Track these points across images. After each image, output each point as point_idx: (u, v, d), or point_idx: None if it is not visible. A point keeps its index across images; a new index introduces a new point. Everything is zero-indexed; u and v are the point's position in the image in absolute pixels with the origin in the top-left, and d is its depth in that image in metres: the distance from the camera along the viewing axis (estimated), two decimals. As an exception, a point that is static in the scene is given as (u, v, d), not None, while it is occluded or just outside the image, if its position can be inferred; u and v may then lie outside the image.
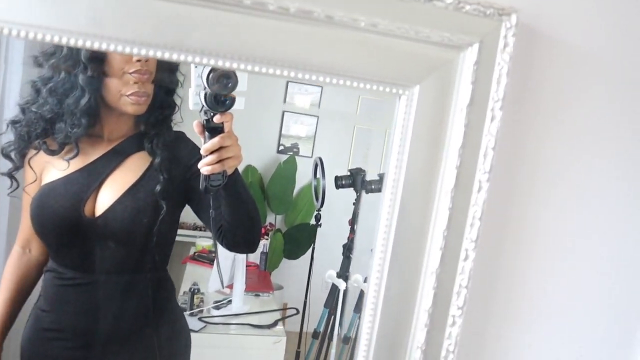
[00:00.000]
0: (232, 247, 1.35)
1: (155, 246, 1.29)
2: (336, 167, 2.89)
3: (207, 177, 1.10)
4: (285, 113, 4.10)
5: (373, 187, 2.63)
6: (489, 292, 0.81)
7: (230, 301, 2.31)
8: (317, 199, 2.86)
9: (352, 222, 2.60)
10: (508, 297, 0.82)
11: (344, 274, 2.46)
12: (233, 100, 1.03)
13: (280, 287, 3.67)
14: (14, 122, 1.26)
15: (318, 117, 4.13)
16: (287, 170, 3.96)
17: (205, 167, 1.08)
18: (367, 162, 3.37)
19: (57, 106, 1.20)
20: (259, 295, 2.53)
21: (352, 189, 2.71)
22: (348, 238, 2.63)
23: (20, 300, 1.38)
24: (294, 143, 4.15)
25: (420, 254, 0.74)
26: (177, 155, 1.27)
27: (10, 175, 1.31)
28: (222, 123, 1.07)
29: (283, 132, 4.10)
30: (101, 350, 1.32)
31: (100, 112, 1.24)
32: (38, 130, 1.24)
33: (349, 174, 2.74)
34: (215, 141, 1.06)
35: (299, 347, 2.96)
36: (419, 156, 0.74)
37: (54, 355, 1.33)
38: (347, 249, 2.57)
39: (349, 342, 2.64)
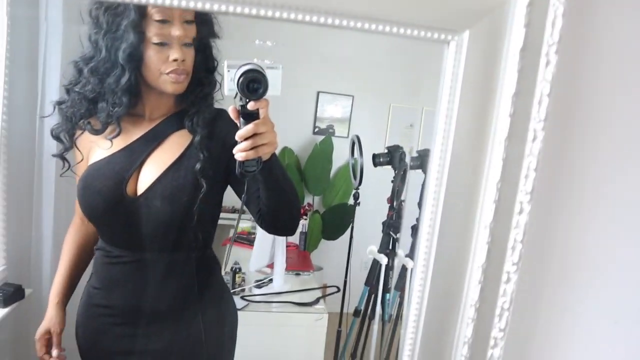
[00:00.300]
0: (271, 230, 1.34)
1: (197, 225, 1.28)
2: (373, 146, 2.85)
3: (242, 163, 1.07)
4: (320, 94, 4.08)
5: (412, 164, 2.59)
6: (545, 248, 0.76)
7: (271, 280, 2.32)
8: (355, 177, 2.83)
9: (392, 199, 2.56)
10: (565, 252, 0.77)
11: (384, 250, 2.43)
12: (266, 87, 1.01)
13: (319, 269, 3.67)
14: (59, 103, 1.28)
15: (353, 96, 4.10)
16: (323, 151, 3.94)
17: (239, 153, 1.06)
18: (405, 140, 3.32)
19: (98, 85, 1.21)
20: (299, 274, 2.52)
21: (390, 166, 2.66)
22: (387, 215, 2.59)
23: (81, 266, 1.45)
24: (329, 124, 4.13)
25: (473, 208, 0.71)
26: (217, 134, 1.25)
27: (61, 156, 1.33)
28: (257, 109, 1.05)
29: (318, 113, 4.09)
30: (148, 327, 1.33)
31: (141, 91, 1.24)
32: (82, 110, 1.25)
33: (386, 151, 2.69)
34: (249, 128, 1.04)
35: (340, 326, 2.95)
36: (469, 105, 0.70)
37: (104, 330, 1.36)
38: (387, 226, 2.54)
39: (391, 319, 2.62)
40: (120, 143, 1.28)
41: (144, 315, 1.33)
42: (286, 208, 1.27)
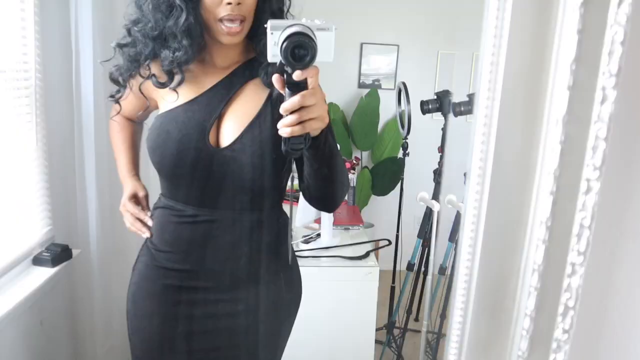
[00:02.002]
0: (312, 204, 1.25)
1: (277, 181, 1.21)
2: (421, 95, 2.72)
3: (288, 140, 0.94)
4: (363, 45, 3.93)
5: (462, 108, 2.45)
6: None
7: (319, 235, 2.25)
8: (402, 126, 2.71)
9: (442, 147, 2.44)
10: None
11: (436, 197, 2.33)
12: (314, 54, 0.86)
13: (371, 225, 3.60)
14: (121, 45, 1.22)
15: (398, 46, 3.93)
16: (369, 104, 3.82)
17: (284, 128, 0.94)
18: (453, 86, 3.16)
19: (160, 22, 1.13)
20: (348, 229, 2.45)
21: (439, 113, 2.53)
22: (439, 164, 2.48)
23: (137, 146, 1.48)
24: (375, 77, 3.99)
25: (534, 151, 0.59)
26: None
27: (117, 100, 1.31)
28: (305, 78, 0.91)
29: (363, 65, 3.95)
30: (228, 291, 1.25)
31: (203, 36, 1.16)
32: (147, 50, 1.18)
33: (435, 97, 2.56)
34: (295, 100, 0.90)
35: (393, 282, 2.89)
36: (519, 50, 0.58)
37: (170, 294, 1.26)
38: (439, 174, 2.42)
39: (445, 272, 2.53)
40: (192, 92, 1.20)
41: (221, 279, 1.26)
42: (332, 188, 1.17)
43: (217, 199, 1.20)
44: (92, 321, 2.02)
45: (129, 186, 1.40)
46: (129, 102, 1.34)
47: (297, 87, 0.90)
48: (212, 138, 1.17)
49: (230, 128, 1.18)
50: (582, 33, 0.55)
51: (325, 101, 0.97)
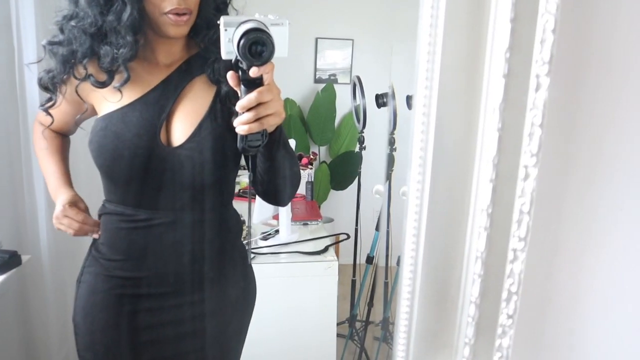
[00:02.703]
0: (264, 198, 1.23)
1: (231, 179, 1.20)
2: (377, 89, 2.73)
3: (244, 137, 0.93)
4: (319, 40, 3.93)
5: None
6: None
7: (277, 231, 2.24)
8: (358, 120, 2.72)
9: (392, 140, 2.46)
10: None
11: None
12: (272, 50, 0.85)
13: (330, 220, 3.61)
14: (52, 44, 1.14)
15: (353, 40, 3.94)
16: (326, 99, 3.82)
17: (241, 126, 0.92)
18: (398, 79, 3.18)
19: (99, 18, 1.06)
20: (307, 224, 2.45)
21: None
22: (388, 156, 2.49)
23: (66, 154, 1.36)
24: (331, 72, 3.99)
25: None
26: None
27: (47, 110, 1.21)
28: (261, 75, 0.89)
29: (318, 60, 3.94)
30: (185, 295, 1.22)
31: (146, 31, 1.12)
32: (83, 49, 1.11)
33: (390, 91, 2.57)
34: (252, 97, 0.89)
35: (354, 275, 2.90)
36: (455, 40, 0.58)
37: (126, 303, 1.21)
38: (388, 166, 2.44)
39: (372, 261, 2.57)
40: (136, 91, 1.15)
41: (179, 283, 1.21)
42: (286, 182, 1.15)
43: (171, 200, 1.17)
44: (46, 329, 1.97)
45: (66, 196, 1.26)
46: (61, 110, 1.24)
47: (253, 83, 0.89)
48: (162, 138, 1.14)
49: (181, 126, 1.15)
50: (515, 22, 0.55)
51: (281, 97, 0.96)
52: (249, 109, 0.91)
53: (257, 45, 0.85)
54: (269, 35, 0.86)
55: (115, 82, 1.13)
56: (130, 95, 1.15)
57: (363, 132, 2.72)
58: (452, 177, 0.60)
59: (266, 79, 0.91)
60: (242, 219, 1.37)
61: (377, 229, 2.53)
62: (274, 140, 1.02)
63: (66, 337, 2.04)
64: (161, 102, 1.15)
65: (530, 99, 0.57)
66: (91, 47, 1.12)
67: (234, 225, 1.29)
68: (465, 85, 0.58)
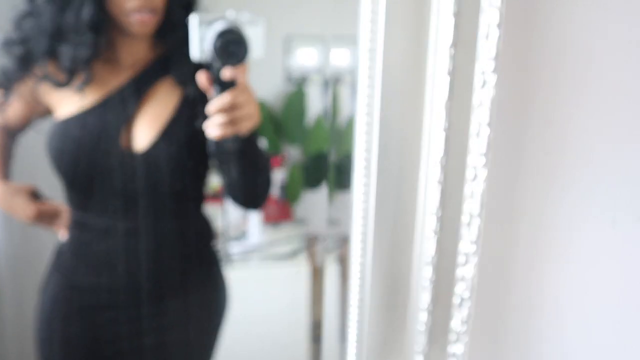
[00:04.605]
0: (236, 203, 1.20)
1: (198, 185, 1.15)
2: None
3: (217, 141, 0.91)
4: (289, 37, 3.88)
5: None
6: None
7: (247, 234, 2.21)
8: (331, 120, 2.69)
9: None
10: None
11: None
12: (246, 50, 0.83)
13: (302, 221, 3.57)
14: (8, 43, 1.07)
15: (326, 36, 3.90)
16: (297, 99, 3.78)
17: (213, 129, 0.89)
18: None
19: (57, 15, 1.00)
20: (277, 225, 2.42)
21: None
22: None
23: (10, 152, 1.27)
24: (302, 70, 3.96)
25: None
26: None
27: (1, 108, 1.13)
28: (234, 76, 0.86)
29: (288, 58, 3.90)
30: (149, 306, 1.18)
31: (108, 29, 1.07)
32: (41, 48, 1.05)
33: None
34: (225, 99, 0.86)
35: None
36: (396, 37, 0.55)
37: (87, 315, 1.16)
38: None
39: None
40: (96, 94, 1.09)
41: (143, 293, 1.17)
42: (259, 187, 1.12)
43: (133, 207, 1.13)
44: (3, 343, 1.90)
45: (18, 188, 1.22)
46: (14, 110, 1.18)
47: (226, 85, 0.86)
48: (124, 142, 1.10)
49: (144, 131, 1.10)
50: (459, 16, 0.53)
51: (255, 99, 0.92)
52: (221, 112, 0.88)
53: (232, 45, 0.83)
54: (243, 36, 0.83)
55: (76, 83, 1.08)
56: (90, 97, 1.10)
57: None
58: (399, 179, 0.57)
59: (239, 80, 0.87)
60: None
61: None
62: (247, 144, 0.98)
63: (23, 351, 1.99)
64: (123, 105, 1.11)
65: (477, 97, 0.55)
66: (49, 46, 1.06)
67: (202, 232, 1.25)
68: (409, 84, 0.56)
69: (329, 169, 2.84)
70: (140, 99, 1.12)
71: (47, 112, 1.17)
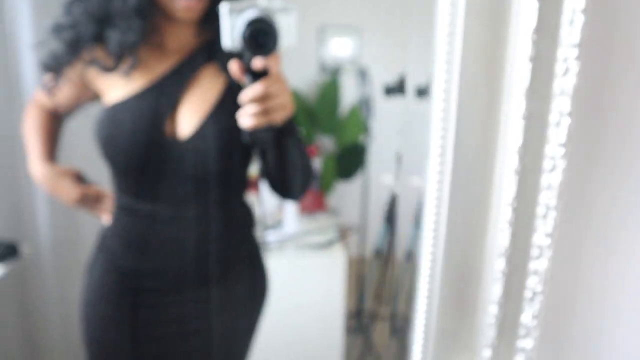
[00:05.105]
0: (275, 194, 1.19)
1: (241, 173, 1.14)
2: (384, 78, 2.70)
3: (251, 131, 0.88)
4: (324, 27, 3.87)
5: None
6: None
7: (283, 223, 2.21)
8: (365, 110, 2.68)
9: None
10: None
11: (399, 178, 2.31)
12: (276, 40, 0.81)
13: (335, 211, 3.57)
14: (58, 27, 1.09)
15: (361, 27, 3.88)
16: (331, 89, 3.77)
17: (245, 119, 0.87)
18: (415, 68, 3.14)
19: (106, 0, 1.03)
20: (313, 216, 2.42)
21: (402, 95, 2.52)
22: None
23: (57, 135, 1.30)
24: (337, 60, 3.94)
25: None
26: None
27: (50, 91, 1.15)
28: (267, 66, 0.84)
29: (324, 48, 3.89)
30: (191, 292, 1.19)
31: (154, 15, 1.06)
32: (89, 33, 1.06)
33: (398, 80, 2.53)
34: (257, 89, 0.84)
35: (361, 268, 2.87)
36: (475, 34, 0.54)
37: (128, 303, 1.17)
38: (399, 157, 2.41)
39: (412, 256, 2.53)
40: (143, 79, 1.10)
41: (187, 279, 1.18)
42: (296, 178, 1.10)
43: (175, 193, 1.13)
44: (47, 322, 1.94)
45: (63, 170, 1.24)
46: (64, 93, 1.21)
47: (259, 74, 0.84)
48: (169, 129, 1.10)
49: (188, 117, 1.10)
50: (543, 1, 0.51)
51: (288, 88, 0.91)
52: (254, 101, 0.87)
53: (261, 35, 0.80)
54: (272, 25, 0.81)
55: (123, 68, 1.09)
56: (137, 83, 1.10)
57: (371, 122, 2.68)
58: (474, 169, 0.56)
59: (272, 69, 0.86)
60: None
61: (387, 221, 2.49)
62: (282, 134, 0.96)
63: (68, 332, 2.02)
64: (168, 91, 1.11)
65: (558, 85, 0.53)
66: (97, 31, 1.07)
67: (245, 220, 1.25)
68: (488, 70, 0.54)
69: (364, 159, 2.83)
70: (185, 85, 1.12)
71: (95, 96, 1.19)
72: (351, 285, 2.64)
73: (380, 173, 2.42)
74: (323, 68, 3.93)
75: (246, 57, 0.83)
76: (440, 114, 0.54)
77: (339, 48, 3.95)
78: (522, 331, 0.59)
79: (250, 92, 0.85)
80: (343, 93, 3.85)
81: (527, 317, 0.58)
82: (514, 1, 0.54)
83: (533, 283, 0.57)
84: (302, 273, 2.01)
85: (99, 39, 1.08)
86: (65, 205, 1.23)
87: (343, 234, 2.21)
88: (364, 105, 2.72)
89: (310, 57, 3.95)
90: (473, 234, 0.58)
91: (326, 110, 3.78)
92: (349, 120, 3.85)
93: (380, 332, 2.95)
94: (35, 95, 1.26)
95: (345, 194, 4.02)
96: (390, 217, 2.46)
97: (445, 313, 0.60)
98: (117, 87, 1.11)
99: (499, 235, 0.57)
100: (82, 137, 1.34)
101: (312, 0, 3.77)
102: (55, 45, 1.12)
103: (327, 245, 2.03)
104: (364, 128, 2.77)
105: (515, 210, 0.56)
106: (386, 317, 3.21)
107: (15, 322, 1.87)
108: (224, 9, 0.83)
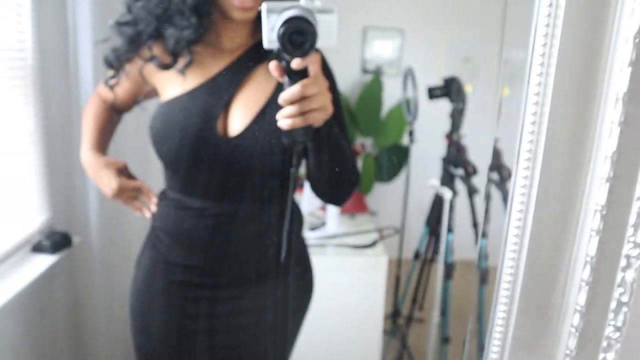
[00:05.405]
0: (318, 197, 1.18)
1: (288, 171, 1.14)
2: (426, 81, 2.67)
3: (289, 132, 0.87)
4: (366, 29, 3.86)
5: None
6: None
7: (324, 223, 2.21)
8: (409, 113, 2.66)
9: (451, 134, 2.39)
10: None
11: (446, 184, 2.28)
12: (314, 41, 0.79)
13: (374, 213, 3.56)
14: (120, 24, 1.13)
15: (403, 29, 3.86)
16: (373, 90, 3.75)
17: (283, 120, 0.87)
18: (461, 73, 3.11)
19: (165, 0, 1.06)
20: (354, 217, 2.41)
21: (447, 98, 2.49)
22: (448, 151, 2.43)
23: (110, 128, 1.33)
24: (378, 61, 3.93)
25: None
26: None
27: (112, 87, 1.20)
28: (306, 66, 0.83)
29: (366, 49, 3.88)
30: (235, 287, 1.20)
31: (212, 14, 1.09)
32: (149, 30, 1.09)
33: (443, 83, 2.51)
34: (295, 90, 0.84)
35: (398, 270, 2.85)
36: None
37: (178, 296, 1.19)
38: (447, 162, 2.37)
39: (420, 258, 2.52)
40: (198, 78, 1.12)
41: (234, 274, 1.19)
42: (337, 182, 1.10)
43: (225, 190, 1.14)
44: (93, 310, 1.97)
45: (108, 161, 1.26)
46: (123, 88, 1.24)
47: (297, 75, 0.83)
48: (220, 126, 1.11)
49: (240, 116, 1.11)
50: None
51: (327, 90, 0.89)
52: (292, 103, 0.86)
53: (298, 35, 0.79)
54: (310, 24, 0.79)
55: (179, 65, 1.11)
56: (192, 81, 1.12)
57: (414, 125, 2.65)
58: (564, 174, 0.54)
59: (311, 70, 0.84)
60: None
61: (426, 223, 2.47)
62: (321, 136, 0.95)
63: (111, 320, 2.05)
64: (222, 90, 1.12)
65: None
66: (157, 28, 1.10)
67: (293, 217, 1.25)
68: (584, 72, 0.53)
69: (405, 161, 2.81)
70: (238, 84, 1.13)
71: (152, 93, 1.21)
72: (388, 287, 2.62)
73: (419, 176, 2.40)
74: (365, 70, 3.92)
75: (285, 57, 0.82)
76: (532, 118, 0.52)
77: (381, 50, 3.94)
78: (604, 343, 0.57)
79: (287, 93, 0.84)
80: (384, 95, 3.84)
81: (611, 328, 0.56)
82: (613, 4, 0.52)
83: (618, 294, 0.56)
84: (343, 274, 2.01)
85: (157, 36, 1.11)
86: (106, 197, 1.25)
87: (384, 235, 2.19)
88: (407, 107, 2.70)
89: (354, 59, 3.95)
90: (558, 241, 0.56)
91: (368, 111, 3.77)
92: (388, 122, 3.83)
93: (415, 335, 2.93)
94: (98, 87, 1.29)
95: (383, 195, 4.00)
96: (432, 220, 2.43)
97: (524, 321, 0.58)
98: (172, 85, 1.12)
99: (586, 244, 0.55)
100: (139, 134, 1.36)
101: (357, 3, 3.77)
102: (117, 42, 1.14)
103: (369, 247, 2.02)
104: (407, 130, 2.75)
105: (604, 218, 0.54)
106: (422, 320, 3.19)
107: (64, 305, 1.91)
108: (263, 8, 0.82)
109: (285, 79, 0.85)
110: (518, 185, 0.54)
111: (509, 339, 0.58)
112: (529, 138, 0.53)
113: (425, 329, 3.22)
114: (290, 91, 0.84)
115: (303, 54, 0.80)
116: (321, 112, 0.88)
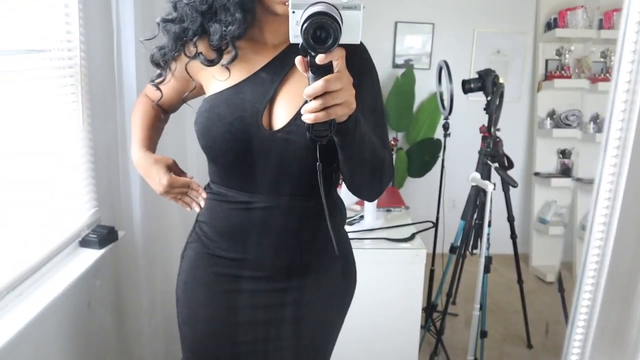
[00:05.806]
0: (350, 192, 1.19)
1: (333, 165, 1.14)
2: (457, 74, 2.66)
3: (311, 126, 0.88)
4: (398, 24, 3.85)
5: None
6: None
7: (362, 217, 2.21)
8: (443, 106, 2.65)
9: (489, 127, 2.37)
10: None
11: (487, 178, 2.27)
12: (337, 37, 0.79)
13: (406, 208, 3.56)
14: (166, 21, 1.15)
15: (434, 24, 3.84)
16: (405, 85, 3.75)
17: (306, 114, 0.87)
18: (493, 66, 3.09)
19: None
20: (390, 211, 2.41)
21: (481, 92, 2.47)
22: (483, 144, 2.41)
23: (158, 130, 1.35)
24: (409, 56, 3.92)
25: None
26: (350, 67, 1.04)
27: (158, 85, 1.23)
28: (330, 61, 0.83)
29: (397, 44, 3.87)
30: (278, 281, 1.20)
31: (255, 9, 1.11)
32: (195, 26, 1.12)
33: (477, 76, 2.49)
34: (318, 85, 0.84)
35: (433, 265, 2.85)
36: None
37: (222, 288, 1.21)
38: (484, 155, 2.36)
39: (456, 251, 2.51)
40: (242, 72, 1.14)
41: (277, 267, 1.19)
42: (366, 179, 1.10)
43: (269, 184, 1.15)
44: (137, 302, 2.01)
45: (158, 158, 1.28)
46: (170, 86, 1.26)
47: (322, 70, 0.83)
48: (264, 121, 1.12)
49: (283, 110, 1.12)
50: None
51: (352, 85, 0.89)
52: (315, 97, 0.86)
53: (321, 30, 0.79)
54: (334, 20, 0.79)
55: (224, 61, 1.12)
56: (237, 75, 1.13)
57: (448, 119, 2.64)
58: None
59: (336, 65, 0.85)
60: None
61: (462, 217, 2.46)
62: (346, 131, 0.95)
63: (154, 312, 2.09)
64: (266, 84, 1.13)
65: None
66: (202, 24, 1.12)
67: (337, 213, 1.26)
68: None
69: (438, 155, 2.81)
70: (282, 79, 1.14)
71: (198, 92, 1.23)
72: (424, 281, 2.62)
73: (453, 170, 2.39)
74: (396, 65, 3.91)
75: (311, 52, 0.82)
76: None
77: (412, 44, 3.93)
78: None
79: (311, 88, 0.84)
80: (416, 89, 3.83)
81: (697, 318, 0.56)
82: None
83: None
84: (382, 267, 2.01)
85: (202, 32, 1.13)
86: (156, 194, 1.27)
87: (420, 229, 2.19)
88: (441, 100, 2.69)
89: (386, 54, 3.95)
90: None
91: (400, 105, 3.76)
92: (420, 117, 3.82)
93: (449, 329, 2.92)
94: (146, 87, 1.31)
95: (416, 189, 4.00)
96: (468, 215, 2.42)
97: (609, 309, 0.58)
98: (217, 80, 1.14)
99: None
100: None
101: (388, -4, 3.77)
102: (163, 40, 1.16)
103: (407, 240, 2.02)
104: (439, 124, 2.74)
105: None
106: (455, 314, 3.18)
107: (109, 297, 1.95)
108: (289, 3, 0.82)
109: (309, 74, 0.85)
110: (606, 173, 0.54)
111: (593, 327, 0.58)
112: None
113: (457, 323, 3.22)
114: (314, 86, 0.84)
115: (326, 50, 0.80)
116: (344, 107, 0.88)
